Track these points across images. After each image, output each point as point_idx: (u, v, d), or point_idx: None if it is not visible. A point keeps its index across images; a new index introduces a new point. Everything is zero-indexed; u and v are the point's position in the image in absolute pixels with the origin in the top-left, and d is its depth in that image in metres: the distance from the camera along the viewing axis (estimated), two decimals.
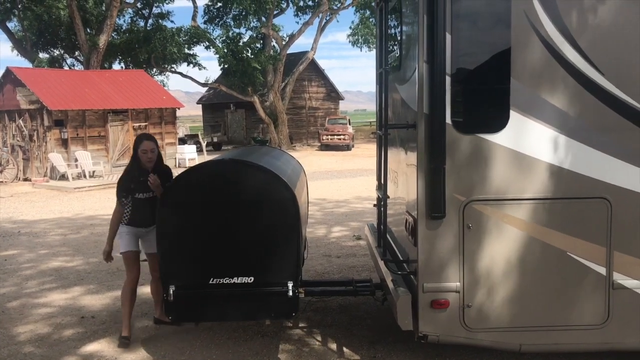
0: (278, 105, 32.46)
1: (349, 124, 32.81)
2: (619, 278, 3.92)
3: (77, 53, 31.58)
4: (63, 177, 19.00)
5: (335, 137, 30.58)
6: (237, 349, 4.97)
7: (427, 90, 3.81)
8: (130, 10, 32.33)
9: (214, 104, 39.50)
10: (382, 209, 4.69)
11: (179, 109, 23.37)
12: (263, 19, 30.64)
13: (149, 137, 5.20)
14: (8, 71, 20.64)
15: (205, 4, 31.86)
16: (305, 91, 38.57)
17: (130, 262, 5.21)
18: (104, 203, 14.57)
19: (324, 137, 30.91)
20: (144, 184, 4.97)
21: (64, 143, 19.67)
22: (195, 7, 31.29)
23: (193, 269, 4.39)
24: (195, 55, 32.64)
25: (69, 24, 27.91)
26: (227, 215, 4.35)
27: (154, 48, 29.41)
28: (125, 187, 5.09)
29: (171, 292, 4.35)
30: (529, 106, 3.82)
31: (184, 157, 22.16)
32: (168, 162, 23.28)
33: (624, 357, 4.44)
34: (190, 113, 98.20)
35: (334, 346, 5.00)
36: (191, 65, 32.76)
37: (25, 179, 19.94)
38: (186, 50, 31.65)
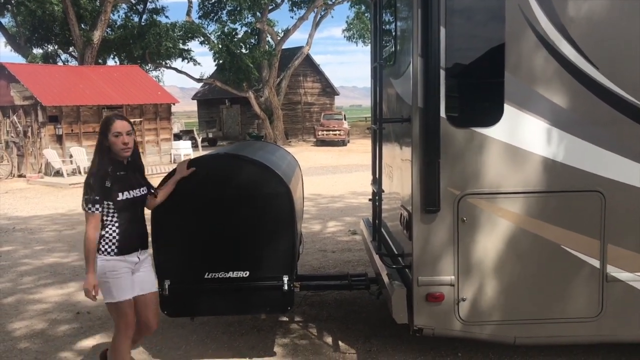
0: (273, 101, 32.43)
1: (345, 120, 32.79)
2: (613, 271, 3.94)
3: (71, 49, 31.44)
4: (58, 173, 18.95)
5: (331, 132, 30.57)
6: (233, 343, 4.98)
7: (422, 84, 3.82)
8: (124, 6, 32.19)
9: (209, 100, 39.44)
10: (377, 203, 4.70)
11: (174, 104, 23.34)
12: (258, 14, 30.56)
13: (121, 116, 3.88)
14: (2, 67, 20.52)
15: None
16: (301, 86, 38.53)
17: (129, 311, 3.78)
18: None
19: (320, 133, 30.90)
20: (125, 179, 3.73)
21: (59, 139, 19.61)
22: (190, 2, 31.18)
23: (188, 263, 4.39)
24: (190, 50, 32.56)
25: (63, 19, 27.77)
26: (222, 209, 4.35)
27: (149, 43, 29.30)
28: (98, 188, 3.59)
29: (166, 286, 4.35)
30: (523, 100, 3.83)
31: (179, 152, 22.13)
32: (163, 158, 22.92)
33: (618, 349, 4.47)
34: (185, 109, 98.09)
35: (329, 340, 5.01)
36: (186, 60, 32.67)
37: (20, 175, 19.87)
38: (181, 46, 31.55)
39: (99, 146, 3.73)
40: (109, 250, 3.66)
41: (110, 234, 3.67)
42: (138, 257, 3.81)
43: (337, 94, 42.05)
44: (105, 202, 3.63)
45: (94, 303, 6.12)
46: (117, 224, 3.68)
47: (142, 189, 3.82)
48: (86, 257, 3.62)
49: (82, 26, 27.95)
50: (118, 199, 3.65)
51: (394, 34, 4.85)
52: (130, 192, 3.73)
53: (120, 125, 3.69)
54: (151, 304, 3.93)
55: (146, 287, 3.88)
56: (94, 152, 3.76)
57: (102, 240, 3.66)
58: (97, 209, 3.60)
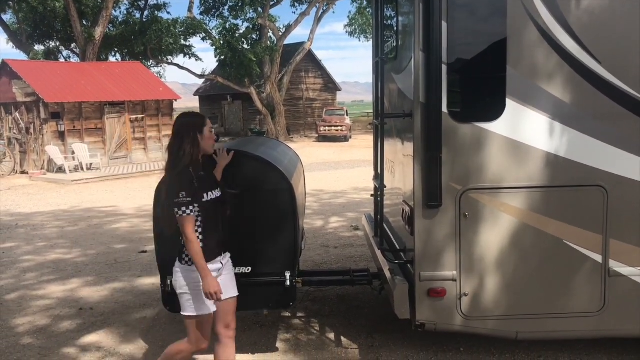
0: (275, 97, 32.40)
1: (347, 115, 32.77)
2: (615, 265, 3.93)
3: (73, 45, 31.43)
4: (60, 169, 18.97)
5: (333, 128, 30.55)
6: (236, 338, 4.97)
7: (424, 79, 3.80)
8: (126, 2, 32.15)
9: (210, 96, 39.42)
10: (379, 198, 4.70)
11: (175, 100, 23.32)
12: (259, 9, 30.51)
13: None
14: (4, 63, 20.54)
15: None
16: (303, 82, 38.49)
17: (206, 327, 3.64)
18: (101, 195, 14.57)
19: (322, 129, 30.88)
20: (206, 179, 3.51)
21: (61, 135, 19.62)
22: None
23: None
24: (192, 46, 32.54)
25: (65, 15, 27.77)
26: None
27: (150, 40, 29.29)
28: (188, 189, 3.33)
29: (169, 283, 4.34)
30: (525, 94, 3.81)
31: None
32: (165, 154, 23.31)
33: (620, 344, 4.47)
34: (187, 105, 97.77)
35: (332, 336, 5.02)
36: (187, 56, 32.65)
37: (23, 172, 19.91)
38: (182, 42, 31.53)
39: (191, 142, 3.41)
40: (184, 259, 3.46)
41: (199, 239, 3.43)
42: (221, 263, 3.60)
43: (339, 90, 42.00)
44: (195, 204, 3.37)
45: (97, 299, 6.20)
46: (200, 229, 3.44)
47: (218, 189, 3.59)
48: (199, 262, 3.34)
49: (84, 22, 27.92)
50: (203, 200, 3.41)
51: (395, 29, 4.84)
52: (213, 192, 3.51)
53: (210, 124, 3.59)
54: (231, 308, 3.70)
55: (227, 292, 3.59)
56: (178, 149, 3.41)
57: (184, 250, 3.44)
58: (190, 211, 3.33)
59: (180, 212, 3.32)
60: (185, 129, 3.47)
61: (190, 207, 3.33)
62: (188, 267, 3.46)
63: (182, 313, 3.55)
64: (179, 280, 3.49)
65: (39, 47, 32.04)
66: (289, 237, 4.36)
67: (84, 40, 26.15)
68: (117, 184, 16.95)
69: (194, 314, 3.51)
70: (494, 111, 3.85)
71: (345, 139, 30.18)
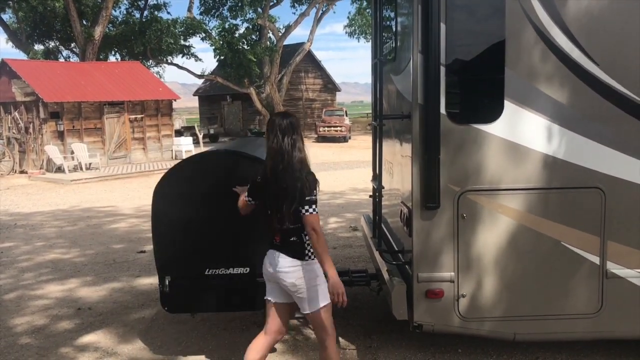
0: (275, 97, 32.42)
1: (346, 116, 32.77)
2: (613, 267, 3.94)
3: (72, 45, 31.45)
4: (59, 169, 18.97)
5: (332, 128, 30.56)
6: (234, 339, 4.99)
7: (422, 80, 3.81)
8: (125, 2, 32.18)
9: (210, 96, 39.42)
10: (377, 199, 4.70)
11: (175, 100, 23.33)
12: (259, 10, 30.52)
13: None
14: (3, 63, 20.54)
15: None
16: (302, 83, 38.51)
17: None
18: (100, 195, 14.56)
19: (321, 129, 30.88)
20: None
21: (60, 135, 19.62)
22: None
23: (189, 259, 4.40)
24: (191, 46, 32.56)
25: (64, 15, 27.79)
26: (222, 206, 4.35)
27: (150, 40, 29.30)
28: (315, 187, 3.45)
29: (167, 282, 4.36)
30: (524, 96, 3.82)
31: (180, 149, 22.15)
32: (165, 154, 22.84)
33: (618, 345, 4.48)
34: (187, 105, 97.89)
35: None
36: (187, 56, 32.67)
37: (22, 172, 19.91)
38: (182, 42, 31.56)
39: (302, 141, 3.64)
40: (309, 254, 3.48)
41: (307, 239, 3.46)
42: None
43: (339, 90, 42.00)
44: (316, 203, 3.41)
45: (95, 299, 6.20)
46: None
47: None
48: (328, 260, 3.37)
49: (84, 22, 27.94)
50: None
51: (394, 30, 4.84)
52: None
53: None
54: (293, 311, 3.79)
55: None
56: (292, 147, 3.55)
57: (307, 245, 3.46)
58: (316, 208, 3.40)
59: (310, 210, 3.36)
60: (296, 129, 3.60)
61: (315, 205, 3.39)
62: (312, 260, 3.47)
63: (315, 308, 3.54)
64: (313, 272, 3.47)
65: (38, 47, 32.09)
66: None
67: (83, 40, 26.15)
68: (116, 183, 16.96)
69: (325, 303, 3.54)
70: (493, 113, 3.85)
71: (344, 139, 30.19)
